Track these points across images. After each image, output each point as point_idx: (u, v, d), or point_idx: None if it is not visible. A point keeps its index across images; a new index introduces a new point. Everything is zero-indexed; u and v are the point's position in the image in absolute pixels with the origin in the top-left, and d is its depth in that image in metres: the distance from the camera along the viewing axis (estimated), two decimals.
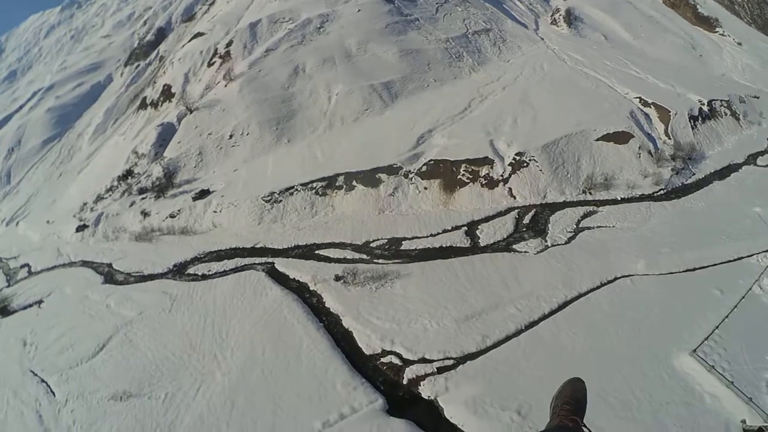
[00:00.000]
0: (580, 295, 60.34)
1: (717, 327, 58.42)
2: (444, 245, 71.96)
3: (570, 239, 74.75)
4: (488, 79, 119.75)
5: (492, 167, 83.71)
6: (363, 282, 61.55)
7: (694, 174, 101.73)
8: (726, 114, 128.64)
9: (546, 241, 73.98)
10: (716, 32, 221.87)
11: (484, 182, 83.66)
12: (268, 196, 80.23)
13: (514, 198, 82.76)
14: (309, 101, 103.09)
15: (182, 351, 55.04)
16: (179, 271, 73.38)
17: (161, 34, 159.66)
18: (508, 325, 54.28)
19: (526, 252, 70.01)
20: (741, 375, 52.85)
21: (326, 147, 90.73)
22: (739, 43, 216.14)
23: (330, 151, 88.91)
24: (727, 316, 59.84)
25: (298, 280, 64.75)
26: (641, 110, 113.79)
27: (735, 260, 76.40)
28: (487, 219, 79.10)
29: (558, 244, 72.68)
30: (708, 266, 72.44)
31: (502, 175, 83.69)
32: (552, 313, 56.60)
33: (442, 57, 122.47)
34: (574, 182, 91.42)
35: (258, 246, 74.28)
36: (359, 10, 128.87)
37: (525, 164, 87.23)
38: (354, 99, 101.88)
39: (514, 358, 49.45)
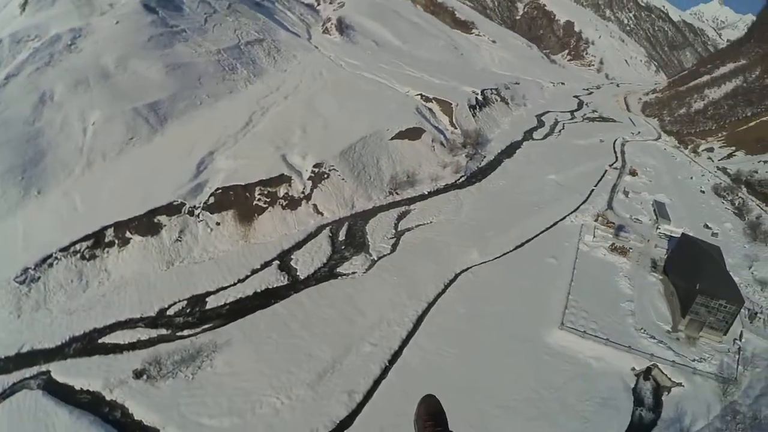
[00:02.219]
0: (430, 305, 61.69)
1: (569, 294, 62.58)
2: (259, 290, 65.00)
3: (394, 246, 77.73)
4: (267, 90, 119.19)
5: (290, 185, 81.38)
6: (173, 370, 49.02)
7: (485, 157, 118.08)
8: (497, 100, 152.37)
9: (371, 255, 75.08)
10: (473, 33, 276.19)
11: (285, 203, 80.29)
12: (21, 275, 58.71)
13: (322, 214, 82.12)
14: (60, 136, 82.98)
15: None
16: None
17: None
18: (371, 368, 51.03)
19: (354, 273, 68.91)
20: (610, 328, 59.83)
21: (87, 193, 73.68)
22: (494, 41, 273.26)
23: (92, 198, 72.51)
24: (572, 281, 64.63)
25: (88, 390, 47.75)
26: (425, 106, 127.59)
27: (553, 226, 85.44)
28: (298, 245, 75.87)
29: (385, 255, 74.46)
30: (533, 238, 79.38)
31: (303, 192, 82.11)
32: (410, 335, 55.99)
33: (215, 70, 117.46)
34: (379, 185, 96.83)
35: (24, 350, 52.00)
36: (117, 22, 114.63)
37: (326, 175, 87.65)
38: (115, 127, 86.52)
39: (395, 405, 45.90)
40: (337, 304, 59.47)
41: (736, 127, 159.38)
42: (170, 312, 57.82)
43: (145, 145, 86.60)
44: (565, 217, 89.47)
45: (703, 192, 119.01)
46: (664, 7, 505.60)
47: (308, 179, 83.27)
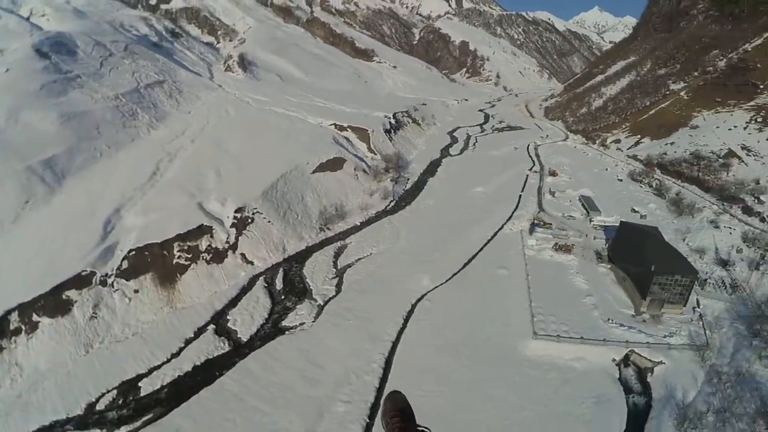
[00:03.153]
0: (395, 344, 58.55)
1: (531, 301, 62.99)
2: (198, 363, 57.44)
3: (339, 286, 74.29)
4: (172, 134, 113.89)
5: (212, 235, 75.43)
6: None
7: (408, 179, 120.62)
8: (409, 122, 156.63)
9: (316, 300, 70.98)
10: (374, 60, 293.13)
11: (209, 257, 73.98)
12: None
13: (252, 264, 76.88)
14: None
15: None
16: None
17: None
18: (351, 429, 46.22)
19: (302, 325, 64.14)
20: (580, 326, 60.36)
21: None
22: (395, 67, 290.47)
23: None
24: (529, 288, 65.10)
25: None
26: (341, 135, 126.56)
27: (493, 237, 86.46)
28: (233, 302, 69.50)
29: (331, 298, 70.84)
30: (478, 253, 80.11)
31: (228, 242, 76.49)
32: (383, 381, 52.28)
33: (113, 117, 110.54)
34: (309, 223, 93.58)
35: None
36: (7, 70, 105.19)
37: (250, 220, 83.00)
38: (8, 190, 76.10)
39: None
40: (292, 364, 54.12)
41: (638, 117, 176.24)
42: (100, 406, 49.15)
43: (42, 207, 77.03)
44: (502, 227, 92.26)
45: (621, 180, 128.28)
46: (549, 19, 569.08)
47: (231, 227, 78.08)
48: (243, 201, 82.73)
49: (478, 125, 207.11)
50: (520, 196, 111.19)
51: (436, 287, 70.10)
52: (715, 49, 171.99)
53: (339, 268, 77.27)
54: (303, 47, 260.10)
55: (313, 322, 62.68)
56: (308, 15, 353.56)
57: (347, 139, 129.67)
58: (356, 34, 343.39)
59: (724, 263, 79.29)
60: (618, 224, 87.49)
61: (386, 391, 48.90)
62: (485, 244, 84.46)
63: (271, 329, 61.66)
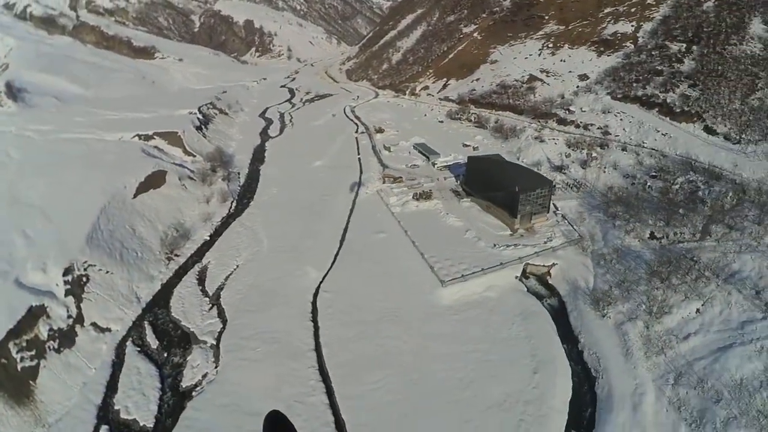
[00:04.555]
0: (318, 350, 55.74)
1: (423, 254, 65.64)
2: None
3: (222, 314, 64.63)
4: None
5: (49, 315, 59.53)
6: None
7: (239, 173, 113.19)
8: (217, 114, 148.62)
9: (206, 342, 60.15)
10: (156, 57, 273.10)
11: (57, 345, 57.88)
12: None
13: (110, 330, 63.14)
14: None
15: None
16: None
17: None
18: None
19: (206, 377, 54.34)
20: (475, 259, 66.55)
21: None
22: (180, 60, 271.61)
23: None
24: (414, 242, 67.55)
25: None
26: (149, 145, 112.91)
27: (354, 206, 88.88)
28: (111, 387, 55.56)
29: (221, 332, 60.60)
30: (347, 227, 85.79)
31: (70, 316, 61.26)
32: (330, 394, 48.35)
33: None
34: (153, 256, 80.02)
35: None
36: None
37: (85, 278, 67.62)
38: None
39: None
40: (223, 428, 46.06)
41: (439, 63, 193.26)
42: None
43: None
44: (357, 193, 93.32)
45: (442, 122, 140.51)
46: None
47: (66, 295, 62.34)
48: (67, 258, 66.51)
49: (286, 101, 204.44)
50: (359, 159, 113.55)
51: (326, 274, 67.05)
52: None
53: (211, 295, 67.77)
54: (75, 57, 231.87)
55: (217, 368, 53.66)
56: (75, 21, 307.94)
57: (158, 148, 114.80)
58: (131, 33, 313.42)
59: (559, 169, 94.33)
60: (461, 160, 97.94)
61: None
62: (350, 216, 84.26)
63: (175, 398, 51.31)
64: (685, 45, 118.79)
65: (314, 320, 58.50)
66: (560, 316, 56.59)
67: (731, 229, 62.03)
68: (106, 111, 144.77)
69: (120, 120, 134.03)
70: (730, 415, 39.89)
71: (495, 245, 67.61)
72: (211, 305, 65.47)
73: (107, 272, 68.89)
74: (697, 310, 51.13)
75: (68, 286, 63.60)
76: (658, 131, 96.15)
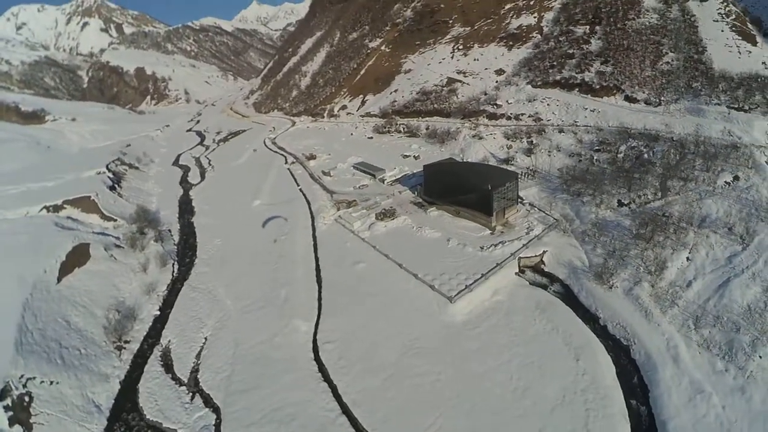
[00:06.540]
0: (347, 412, 48.75)
1: (416, 275, 65.53)
2: None
3: (211, 403, 54.32)
4: None
5: None
6: None
7: (170, 230, 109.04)
8: (127, 170, 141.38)
9: None
10: (47, 121, 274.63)
11: None
12: None
13: None
14: None
15: None
16: None
17: None
18: None
19: None
20: (470, 266, 66.94)
21: None
22: (74, 119, 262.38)
23: None
24: (401, 265, 66.68)
25: None
26: (60, 216, 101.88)
27: (315, 240, 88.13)
28: None
29: (218, 425, 50.93)
30: (318, 265, 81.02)
31: None
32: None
33: None
34: (100, 350, 64.60)
35: None
36: None
37: (28, 398, 53.94)
38: None
39: None
40: None
41: (352, 81, 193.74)
42: None
43: None
44: (314, 227, 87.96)
45: (371, 138, 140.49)
46: (215, 23, 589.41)
47: (13, 425, 50.49)
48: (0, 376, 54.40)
49: (198, 144, 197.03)
50: (301, 190, 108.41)
51: (318, 324, 60.05)
52: (396, 3, 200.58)
53: (187, 381, 57.36)
54: None
55: None
56: None
57: (71, 218, 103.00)
58: (18, 97, 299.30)
59: (506, 161, 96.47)
60: (407, 172, 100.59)
61: None
62: (316, 253, 78.24)
63: None
64: (588, 27, 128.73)
65: (327, 379, 51.35)
66: (570, 298, 57.47)
67: (686, 181, 69.65)
68: (3, 186, 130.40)
69: (22, 193, 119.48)
70: (753, 337, 45.32)
71: (482, 248, 67.07)
72: (191, 394, 55.30)
73: (51, 383, 57.31)
74: (688, 258, 57.58)
75: (10, 413, 52.13)
76: (586, 108, 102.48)
